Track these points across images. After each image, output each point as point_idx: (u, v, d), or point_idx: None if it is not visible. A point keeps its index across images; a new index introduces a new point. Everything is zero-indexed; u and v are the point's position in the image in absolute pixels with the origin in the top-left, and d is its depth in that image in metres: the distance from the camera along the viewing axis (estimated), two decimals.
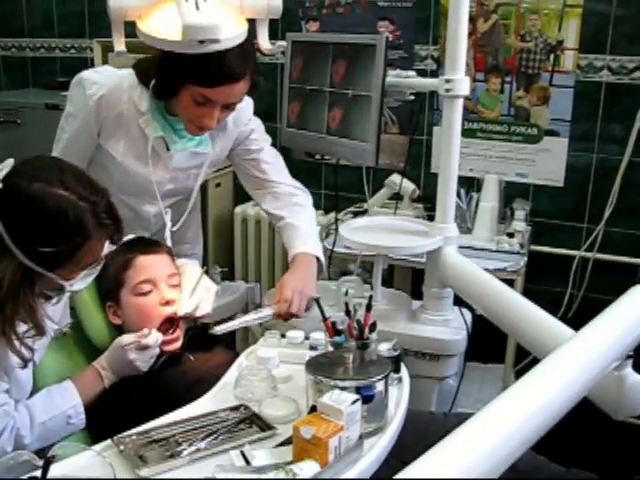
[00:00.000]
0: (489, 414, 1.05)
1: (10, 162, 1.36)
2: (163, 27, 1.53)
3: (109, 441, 1.32)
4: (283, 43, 1.72)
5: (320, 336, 1.60)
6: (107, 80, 1.83)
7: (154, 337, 1.62)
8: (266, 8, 1.59)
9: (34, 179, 1.33)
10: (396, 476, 0.87)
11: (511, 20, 2.96)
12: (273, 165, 2.09)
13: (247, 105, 1.94)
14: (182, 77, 1.70)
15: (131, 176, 1.90)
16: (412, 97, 2.23)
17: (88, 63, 3.68)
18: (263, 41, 1.64)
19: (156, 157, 1.89)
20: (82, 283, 1.43)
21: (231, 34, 1.56)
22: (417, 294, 2.36)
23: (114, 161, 1.88)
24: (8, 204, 1.31)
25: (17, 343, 1.36)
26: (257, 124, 2.06)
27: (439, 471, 0.90)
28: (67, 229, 1.33)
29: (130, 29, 1.59)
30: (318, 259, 1.98)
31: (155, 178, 1.91)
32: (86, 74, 1.85)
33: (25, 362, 1.40)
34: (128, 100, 1.83)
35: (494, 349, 2.71)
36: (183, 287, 1.76)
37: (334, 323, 1.51)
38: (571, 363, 1.21)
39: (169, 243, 1.94)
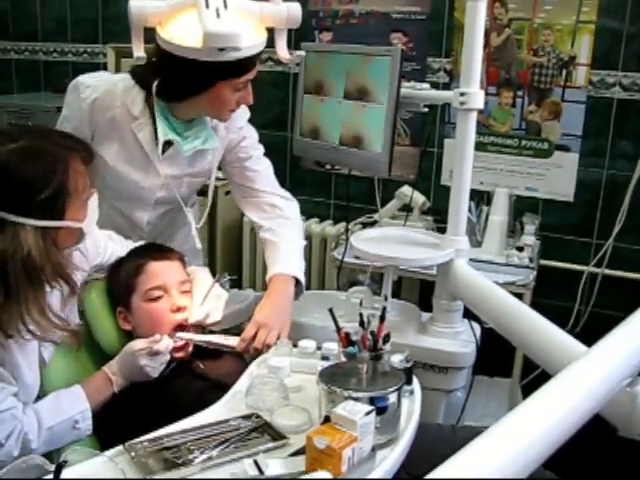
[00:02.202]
0: (502, 429, 1.04)
1: None
2: (183, 34, 1.54)
3: (120, 447, 1.31)
4: (302, 53, 1.72)
5: (332, 346, 1.59)
6: (101, 84, 1.84)
7: (165, 343, 1.62)
8: (285, 18, 1.60)
9: None
10: None
11: (524, 35, 2.97)
12: (261, 174, 2.06)
13: (241, 113, 1.93)
14: (215, 77, 1.71)
15: (123, 181, 1.90)
16: (425, 109, 2.23)
17: (100, 68, 3.70)
18: (282, 50, 1.65)
19: (148, 163, 1.89)
20: (91, 221, 1.48)
21: (251, 42, 1.56)
22: (425, 306, 2.35)
23: (106, 165, 1.87)
24: None
25: (54, 319, 1.39)
26: (250, 133, 2.05)
27: None
28: (44, 167, 1.35)
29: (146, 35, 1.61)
30: (299, 280, 1.93)
31: (146, 184, 1.91)
32: (81, 78, 1.86)
33: (69, 331, 1.43)
34: (121, 104, 1.84)
35: (501, 363, 2.71)
36: (194, 294, 1.77)
37: (348, 334, 1.51)
38: (584, 379, 1.20)
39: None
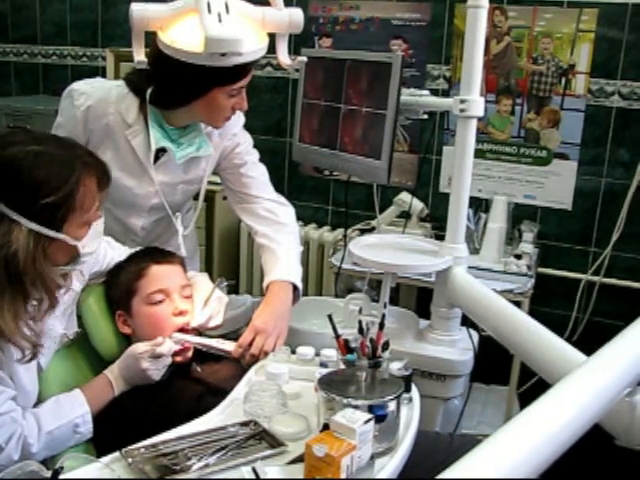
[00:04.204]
0: (501, 440, 1.04)
1: None
2: (185, 38, 1.53)
3: (117, 453, 1.30)
4: (304, 59, 1.72)
5: (331, 353, 1.59)
6: (95, 91, 1.84)
7: (168, 346, 1.62)
8: (287, 23, 1.60)
9: (7, 145, 1.36)
10: None
11: (524, 43, 2.98)
12: (256, 180, 2.05)
13: (234, 119, 1.92)
14: (211, 83, 1.71)
15: (117, 188, 1.87)
16: (425, 116, 2.23)
17: (100, 71, 3.70)
18: (283, 56, 1.64)
19: (142, 170, 1.89)
20: (92, 244, 1.46)
21: (253, 47, 1.56)
22: (422, 313, 2.35)
23: None
24: None
25: (25, 329, 1.37)
26: (244, 139, 2.04)
27: None
28: (57, 174, 1.35)
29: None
30: (296, 286, 1.92)
31: (140, 191, 1.91)
32: (76, 85, 1.86)
33: (33, 346, 1.39)
34: (115, 111, 1.83)
35: (498, 370, 2.70)
36: (195, 299, 1.76)
37: (347, 341, 1.50)
38: (584, 388, 1.19)
39: None
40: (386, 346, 1.50)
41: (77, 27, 3.86)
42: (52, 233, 1.36)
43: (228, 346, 1.73)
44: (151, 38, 1.64)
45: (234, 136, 1.99)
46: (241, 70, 1.69)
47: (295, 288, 1.91)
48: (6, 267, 1.32)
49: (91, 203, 1.42)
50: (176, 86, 1.74)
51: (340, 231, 3.27)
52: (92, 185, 1.41)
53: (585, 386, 1.19)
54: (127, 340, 1.72)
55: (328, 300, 2.50)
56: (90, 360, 1.73)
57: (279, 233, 1.99)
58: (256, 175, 2.05)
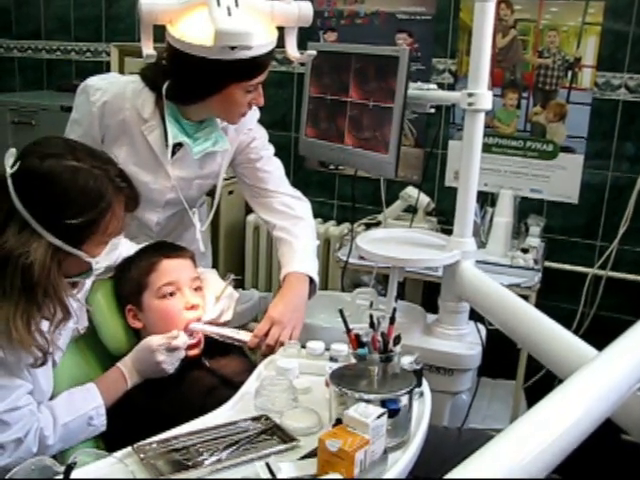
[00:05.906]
0: (513, 435, 1.04)
1: (13, 151, 1.37)
2: (194, 32, 1.53)
3: (129, 448, 1.30)
4: (313, 52, 1.71)
5: (341, 348, 1.58)
6: (110, 87, 1.83)
7: (183, 339, 1.62)
8: (297, 16, 1.60)
9: (45, 157, 1.35)
10: None
11: (529, 36, 2.97)
12: (272, 175, 2.05)
13: (250, 113, 1.91)
14: (228, 78, 1.70)
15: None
16: (432, 110, 2.23)
17: (104, 67, 3.70)
18: (292, 49, 1.64)
19: (158, 165, 1.88)
20: (106, 260, 1.46)
21: (262, 41, 1.55)
22: (428, 307, 2.35)
23: None
24: (26, 186, 1.33)
25: (38, 337, 1.36)
26: (260, 134, 2.04)
27: None
28: (89, 197, 1.35)
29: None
30: (312, 279, 1.92)
31: (156, 186, 1.90)
32: (91, 81, 1.85)
33: (44, 354, 1.38)
34: (131, 107, 1.83)
35: (504, 365, 2.70)
36: (206, 294, 1.76)
37: (358, 335, 1.49)
38: (595, 383, 1.19)
39: None
40: (397, 340, 1.49)
41: (81, 22, 3.85)
42: (70, 249, 1.36)
43: (243, 336, 1.72)
44: (164, 32, 1.64)
45: (250, 131, 1.99)
46: (258, 66, 1.68)
47: (312, 281, 1.91)
48: (22, 277, 1.32)
49: (116, 227, 1.42)
50: (193, 82, 1.74)
51: (345, 226, 3.27)
52: (120, 211, 1.41)
53: (596, 381, 1.19)
54: (136, 335, 1.72)
55: (335, 294, 2.50)
56: (98, 355, 1.73)
57: (297, 227, 1.99)
58: (272, 169, 2.05)
